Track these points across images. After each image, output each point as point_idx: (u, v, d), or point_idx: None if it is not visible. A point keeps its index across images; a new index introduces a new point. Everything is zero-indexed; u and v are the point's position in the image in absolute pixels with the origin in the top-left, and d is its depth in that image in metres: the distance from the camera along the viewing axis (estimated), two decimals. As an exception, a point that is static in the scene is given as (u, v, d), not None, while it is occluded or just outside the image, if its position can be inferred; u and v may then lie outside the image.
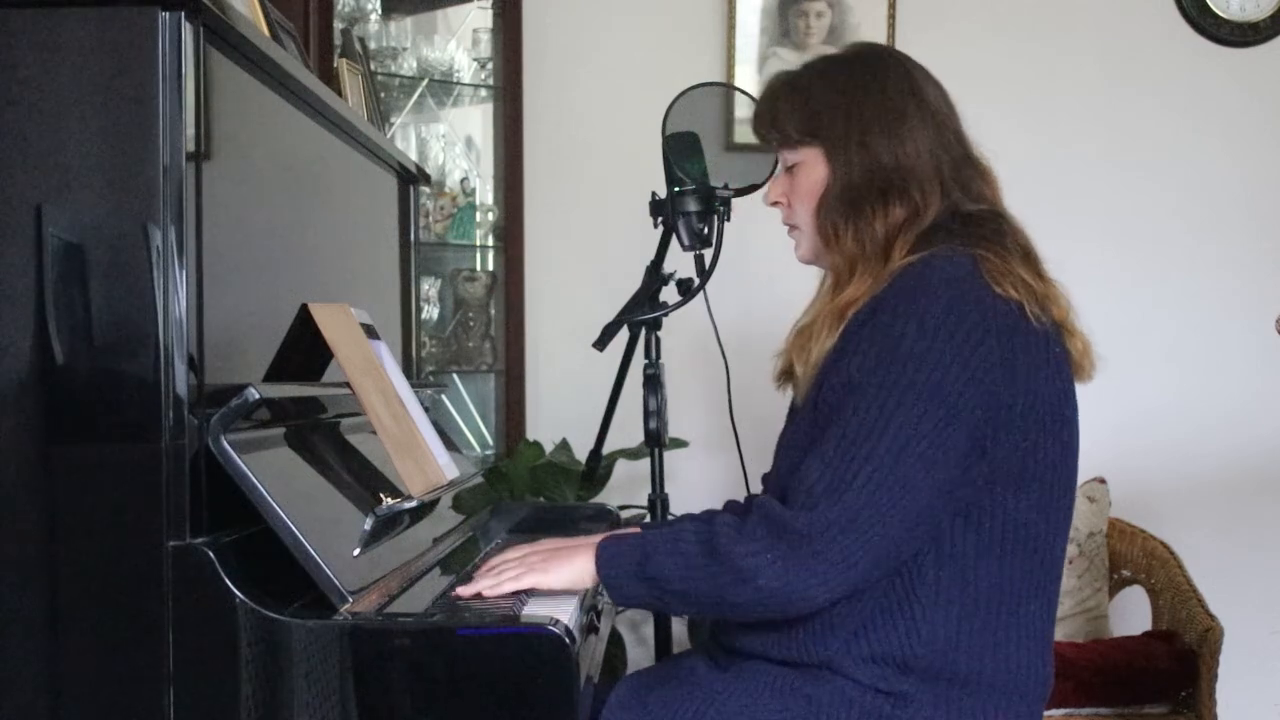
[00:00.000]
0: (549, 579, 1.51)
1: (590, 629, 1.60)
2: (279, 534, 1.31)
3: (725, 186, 2.08)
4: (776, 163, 1.65)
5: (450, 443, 1.98)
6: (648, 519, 2.28)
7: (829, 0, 3.12)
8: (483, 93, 3.14)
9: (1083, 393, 1.51)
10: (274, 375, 1.55)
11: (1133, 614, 2.79)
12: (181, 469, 1.29)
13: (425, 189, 2.82)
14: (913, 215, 1.50)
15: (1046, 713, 2.08)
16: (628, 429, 2.45)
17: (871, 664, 1.43)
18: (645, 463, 2.29)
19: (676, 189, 2.08)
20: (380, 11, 3.00)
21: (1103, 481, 2.74)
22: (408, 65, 3.04)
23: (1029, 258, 1.50)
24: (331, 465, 1.55)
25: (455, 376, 3.11)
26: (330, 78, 2.27)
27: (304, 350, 1.60)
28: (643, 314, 2.20)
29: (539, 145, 3.10)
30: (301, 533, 1.31)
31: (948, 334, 1.38)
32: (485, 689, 1.29)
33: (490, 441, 3.17)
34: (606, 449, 2.51)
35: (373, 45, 2.92)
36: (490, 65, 3.11)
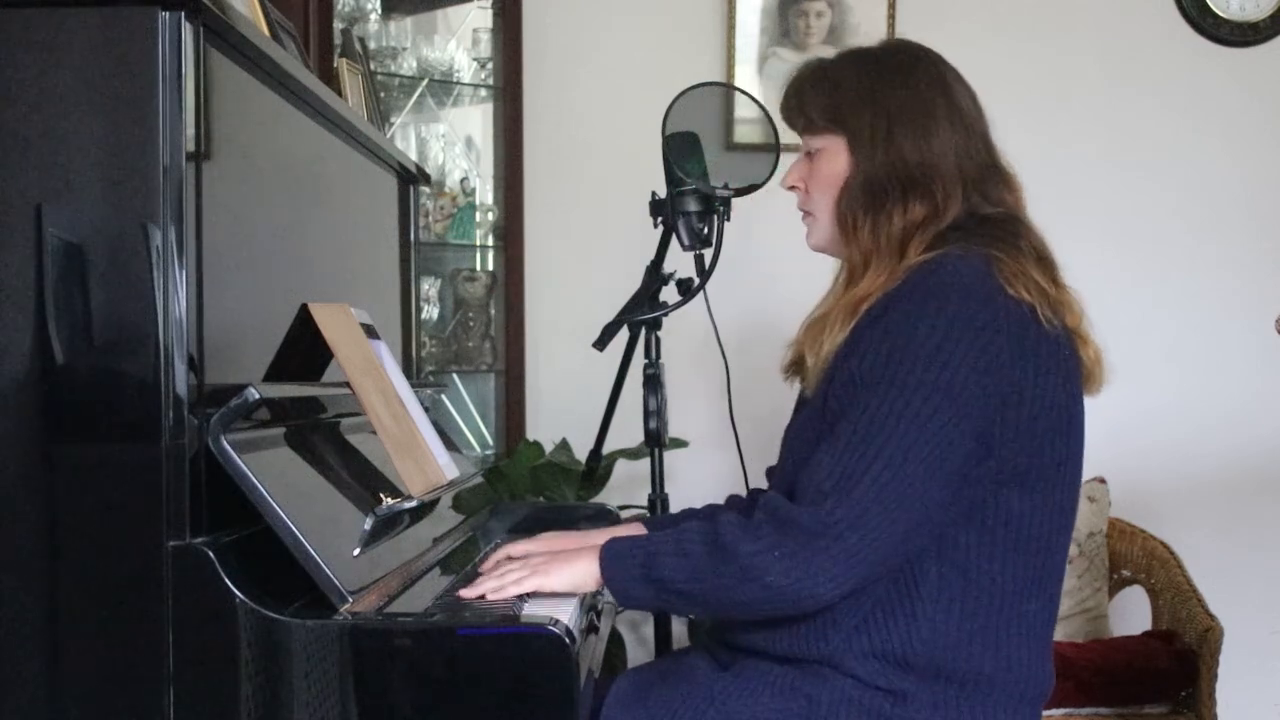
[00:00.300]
0: (552, 582, 1.51)
1: (590, 629, 1.60)
2: (279, 534, 1.31)
3: (725, 186, 2.08)
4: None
5: (450, 443, 1.98)
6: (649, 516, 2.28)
7: (829, 0, 3.12)
8: (483, 93, 3.14)
9: (1083, 392, 1.51)
10: (274, 375, 1.54)
11: (1133, 614, 2.79)
12: (181, 469, 1.29)
13: (425, 189, 2.82)
14: (932, 214, 1.50)
15: (1046, 712, 2.08)
16: (628, 429, 2.45)
17: (872, 660, 1.43)
18: (645, 462, 2.29)
19: (676, 189, 2.08)
20: (380, 11, 3.00)
21: (1103, 481, 2.74)
22: (408, 65, 3.04)
23: (1044, 262, 1.50)
24: (331, 465, 1.55)
25: (455, 376, 3.11)
26: (330, 78, 2.27)
27: (304, 350, 1.60)
28: (643, 314, 2.19)
29: (539, 145, 3.10)
30: (301, 533, 1.31)
31: (959, 333, 1.38)
32: (485, 689, 1.29)
33: (490, 441, 3.17)
34: (606, 449, 2.51)
35: (373, 45, 2.91)
36: (490, 65, 3.11)
